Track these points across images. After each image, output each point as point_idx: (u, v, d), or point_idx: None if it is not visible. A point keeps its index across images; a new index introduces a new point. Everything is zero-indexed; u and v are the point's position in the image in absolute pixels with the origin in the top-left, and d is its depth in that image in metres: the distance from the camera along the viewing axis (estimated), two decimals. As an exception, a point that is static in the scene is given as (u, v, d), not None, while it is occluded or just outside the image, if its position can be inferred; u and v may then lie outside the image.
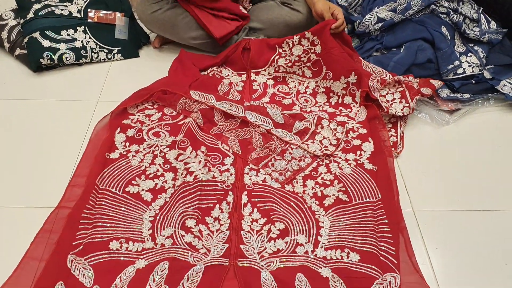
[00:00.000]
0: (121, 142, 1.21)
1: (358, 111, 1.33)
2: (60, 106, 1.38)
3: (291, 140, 1.22)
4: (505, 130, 1.33)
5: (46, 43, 1.47)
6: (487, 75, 1.44)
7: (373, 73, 1.36)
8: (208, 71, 1.49)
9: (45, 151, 1.23)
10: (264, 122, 1.25)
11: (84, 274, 0.90)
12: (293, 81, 1.45)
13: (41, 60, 1.46)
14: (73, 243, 0.96)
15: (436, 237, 1.03)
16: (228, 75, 1.49)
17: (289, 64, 1.44)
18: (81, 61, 1.54)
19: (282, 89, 1.43)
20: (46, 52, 1.47)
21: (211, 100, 1.29)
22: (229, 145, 1.21)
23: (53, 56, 1.48)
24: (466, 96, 1.39)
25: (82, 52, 1.53)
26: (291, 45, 1.44)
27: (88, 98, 1.41)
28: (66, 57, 1.50)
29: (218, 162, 1.17)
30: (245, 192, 1.09)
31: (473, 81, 1.42)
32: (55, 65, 1.52)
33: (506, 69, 1.46)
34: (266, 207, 1.06)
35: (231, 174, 1.14)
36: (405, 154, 1.24)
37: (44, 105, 1.38)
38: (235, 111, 1.26)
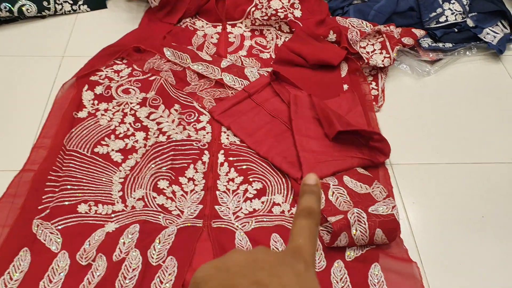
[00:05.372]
0: (89, 100, 1.14)
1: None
2: (22, 62, 1.29)
3: (268, 99, 1.17)
4: (487, 80, 1.30)
5: (3, -6, 1.36)
6: (470, 23, 1.39)
7: (352, 27, 1.30)
8: (182, 22, 1.41)
9: (7, 111, 1.15)
10: (241, 85, 1.19)
11: (51, 239, 0.87)
12: (270, 33, 1.38)
13: (-1, 12, 1.36)
14: (39, 207, 0.91)
15: (414, 192, 1.02)
16: (203, 26, 1.40)
17: (265, 18, 1.36)
18: (43, 13, 1.43)
19: (260, 41, 1.36)
20: (4, 4, 1.35)
21: (186, 60, 1.22)
22: (204, 105, 1.16)
23: (12, 8, 1.37)
24: (448, 45, 1.35)
25: (45, 3, 1.42)
26: None
27: (53, 54, 1.32)
28: (27, 9, 1.39)
29: (193, 120, 1.12)
30: (222, 151, 1.05)
31: (456, 30, 1.37)
32: (15, 18, 1.41)
33: (490, 16, 1.41)
34: (244, 167, 1.03)
35: (207, 133, 1.09)
36: (384, 107, 1.21)
37: (4, 61, 1.29)
38: (211, 73, 1.20)
